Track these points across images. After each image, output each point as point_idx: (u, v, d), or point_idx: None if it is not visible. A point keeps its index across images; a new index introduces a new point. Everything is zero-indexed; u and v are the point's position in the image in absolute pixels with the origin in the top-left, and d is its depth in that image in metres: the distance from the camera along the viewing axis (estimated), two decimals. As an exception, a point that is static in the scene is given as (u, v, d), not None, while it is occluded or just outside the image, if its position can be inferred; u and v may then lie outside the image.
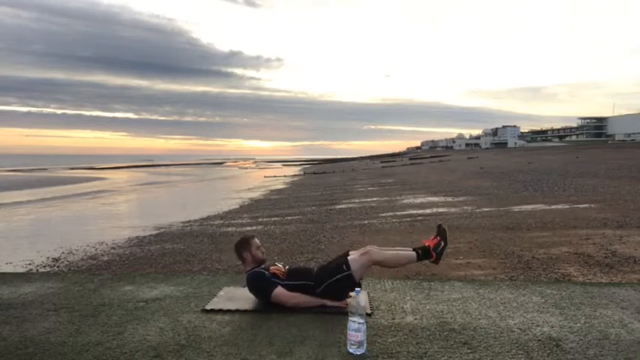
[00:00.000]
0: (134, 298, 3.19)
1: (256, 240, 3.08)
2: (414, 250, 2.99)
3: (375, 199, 14.12)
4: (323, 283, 2.83)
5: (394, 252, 3.00)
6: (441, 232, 3.03)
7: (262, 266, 2.97)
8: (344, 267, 2.83)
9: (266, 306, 2.87)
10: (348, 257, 2.89)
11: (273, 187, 23.17)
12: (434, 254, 2.94)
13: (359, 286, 2.78)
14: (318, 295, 2.84)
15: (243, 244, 3.04)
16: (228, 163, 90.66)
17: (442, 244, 2.97)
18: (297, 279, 2.88)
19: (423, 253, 2.96)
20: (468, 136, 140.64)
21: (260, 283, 2.88)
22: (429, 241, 2.99)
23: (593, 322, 2.61)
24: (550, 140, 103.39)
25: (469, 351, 2.24)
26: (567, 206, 9.75)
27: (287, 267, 2.98)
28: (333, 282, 2.81)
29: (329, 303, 2.85)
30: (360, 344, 2.21)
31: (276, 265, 2.99)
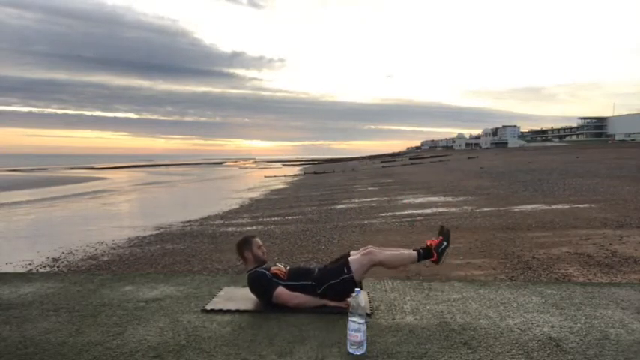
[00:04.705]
0: (134, 298, 3.19)
1: (258, 239, 3.08)
2: (415, 250, 2.97)
3: (375, 199, 14.13)
4: (324, 284, 2.83)
5: (395, 252, 2.97)
6: (443, 232, 2.99)
7: (263, 267, 2.97)
8: (345, 269, 2.82)
9: (266, 306, 2.87)
10: (350, 258, 2.88)
11: (273, 187, 23.17)
12: (435, 254, 2.91)
13: (359, 286, 2.78)
14: (319, 295, 2.84)
15: (244, 243, 3.04)
16: (229, 163, 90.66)
17: (444, 244, 2.93)
18: (297, 279, 2.89)
19: (425, 253, 2.92)
20: (468, 136, 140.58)
21: (261, 283, 2.88)
22: (432, 241, 2.95)
23: (593, 322, 2.61)
24: (550, 140, 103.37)
25: (469, 351, 2.24)
26: (567, 206, 9.75)
27: (288, 267, 2.99)
28: (334, 284, 2.81)
29: (330, 303, 2.86)
30: (360, 344, 2.21)
31: (277, 265, 3.00)
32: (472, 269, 5.18)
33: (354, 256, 2.89)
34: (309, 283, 2.86)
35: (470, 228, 7.80)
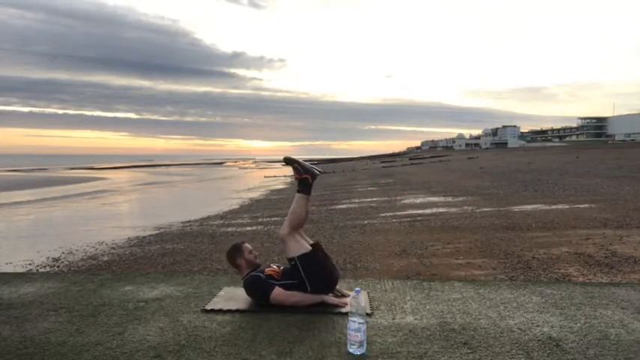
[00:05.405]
0: (134, 298, 3.19)
1: (247, 245, 3.10)
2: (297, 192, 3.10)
3: (375, 199, 14.12)
4: (304, 282, 2.87)
5: (290, 211, 3.06)
6: (289, 161, 3.15)
7: (257, 270, 2.98)
8: (292, 262, 2.89)
9: (266, 306, 2.87)
10: (288, 256, 2.94)
11: (273, 187, 23.18)
12: (305, 176, 3.07)
13: (318, 249, 2.91)
14: (311, 292, 2.86)
15: (235, 252, 3.06)
16: (229, 163, 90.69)
17: (297, 165, 3.10)
18: (292, 277, 2.90)
19: (301, 186, 3.07)
20: (468, 136, 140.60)
21: (258, 286, 2.90)
22: (295, 176, 3.13)
23: (593, 322, 2.61)
24: (550, 140, 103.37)
25: (469, 351, 2.24)
26: (567, 206, 9.75)
27: (282, 267, 3.00)
28: (306, 275, 2.86)
29: (329, 300, 2.87)
30: (360, 344, 2.22)
31: (270, 266, 3.01)
32: (472, 269, 5.18)
33: (286, 250, 2.97)
34: (302, 281, 2.88)
35: (470, 228, 7.80)
